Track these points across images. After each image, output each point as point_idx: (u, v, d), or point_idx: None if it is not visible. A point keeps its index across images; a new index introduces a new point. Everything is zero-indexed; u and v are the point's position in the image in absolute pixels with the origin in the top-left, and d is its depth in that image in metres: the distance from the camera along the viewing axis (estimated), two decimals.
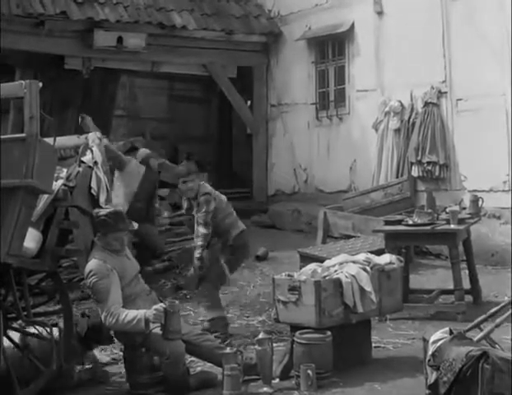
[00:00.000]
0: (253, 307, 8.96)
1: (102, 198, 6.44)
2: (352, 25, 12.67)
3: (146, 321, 5.92)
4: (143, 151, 9.98)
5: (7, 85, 6.02)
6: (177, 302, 6.30)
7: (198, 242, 7.62)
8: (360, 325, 6.45)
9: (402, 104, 11.79)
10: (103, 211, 6.25)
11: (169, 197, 12.77)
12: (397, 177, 11.78)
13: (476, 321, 5.23)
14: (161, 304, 6.02)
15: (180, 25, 13.38)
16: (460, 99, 11.16)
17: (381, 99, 12.13)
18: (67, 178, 6.29)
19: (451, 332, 5.07)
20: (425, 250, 11.04)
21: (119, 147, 12.71)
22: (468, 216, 8.54)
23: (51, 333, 6.05)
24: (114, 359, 7.17)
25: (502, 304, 5.39)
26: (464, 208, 9.09)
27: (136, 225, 10.00)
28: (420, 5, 11.51)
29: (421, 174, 11.42)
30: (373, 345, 6.79)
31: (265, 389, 5.95)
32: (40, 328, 6.15)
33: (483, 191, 10.29)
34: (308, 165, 13.69)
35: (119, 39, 12.67)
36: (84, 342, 6.53)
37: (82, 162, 6.48)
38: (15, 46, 12.13)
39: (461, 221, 8.17)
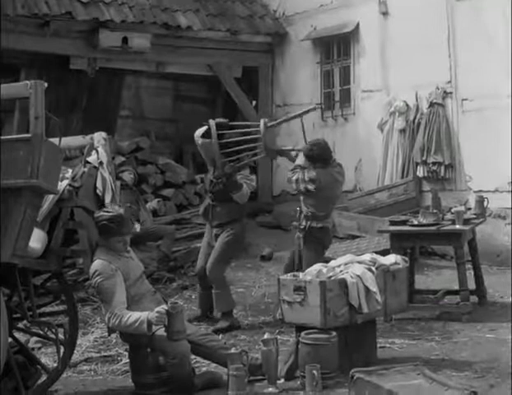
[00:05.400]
0: (258, 307, 8.97)
1: (107, 199, 6.42)
2: (357, 26, 12.67)
3: (149, 323, 5.91)
4: None
5: (13, 85, 6.03)
6: (180, 302, 6.29)
7: None
8: (365, 325, 6.43)
9: (407, 105, 11.79)
10: (105, 215, 6.14)
11: (174, 197, 12.78)
12: (402, 177, 11.77)
13: None
14: (163, 306, 5.99)
15: (185, 25, 13.36)
16: (465, 100, 11.15)
17: (386, 99, 12.12)
18: (73, 179, 6.27)
19: None
20: (430, 251, 11.04)
21: (124, 147, 12.78)
22: (474, 216, 8.54)
23: (56, 334, 6.06)
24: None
25: None
26: (469, 209, 9.10)
27: (138, 227, 10.03)
28: (425, 5, 11.50)
29: (426, 174, 11.42)
30: (378, 345, 6.79)
31: (270, 390, 5.94)
32: (45, 328, 6.17)
33: (488, 191, 10.28)
34: None
35: (124, 40, 12.65)
36: None
37: (88, 162, 6.47)
38: (20, 46, 12.13)
39: (466, 222, 8.17)
